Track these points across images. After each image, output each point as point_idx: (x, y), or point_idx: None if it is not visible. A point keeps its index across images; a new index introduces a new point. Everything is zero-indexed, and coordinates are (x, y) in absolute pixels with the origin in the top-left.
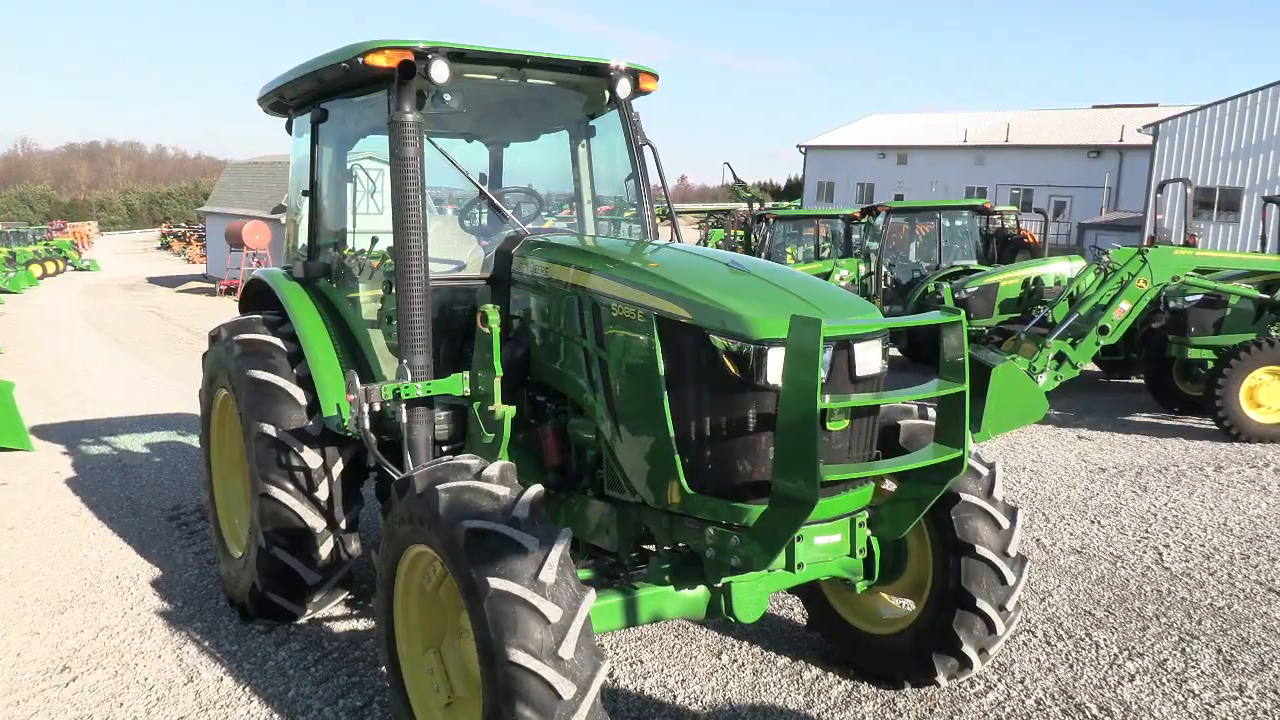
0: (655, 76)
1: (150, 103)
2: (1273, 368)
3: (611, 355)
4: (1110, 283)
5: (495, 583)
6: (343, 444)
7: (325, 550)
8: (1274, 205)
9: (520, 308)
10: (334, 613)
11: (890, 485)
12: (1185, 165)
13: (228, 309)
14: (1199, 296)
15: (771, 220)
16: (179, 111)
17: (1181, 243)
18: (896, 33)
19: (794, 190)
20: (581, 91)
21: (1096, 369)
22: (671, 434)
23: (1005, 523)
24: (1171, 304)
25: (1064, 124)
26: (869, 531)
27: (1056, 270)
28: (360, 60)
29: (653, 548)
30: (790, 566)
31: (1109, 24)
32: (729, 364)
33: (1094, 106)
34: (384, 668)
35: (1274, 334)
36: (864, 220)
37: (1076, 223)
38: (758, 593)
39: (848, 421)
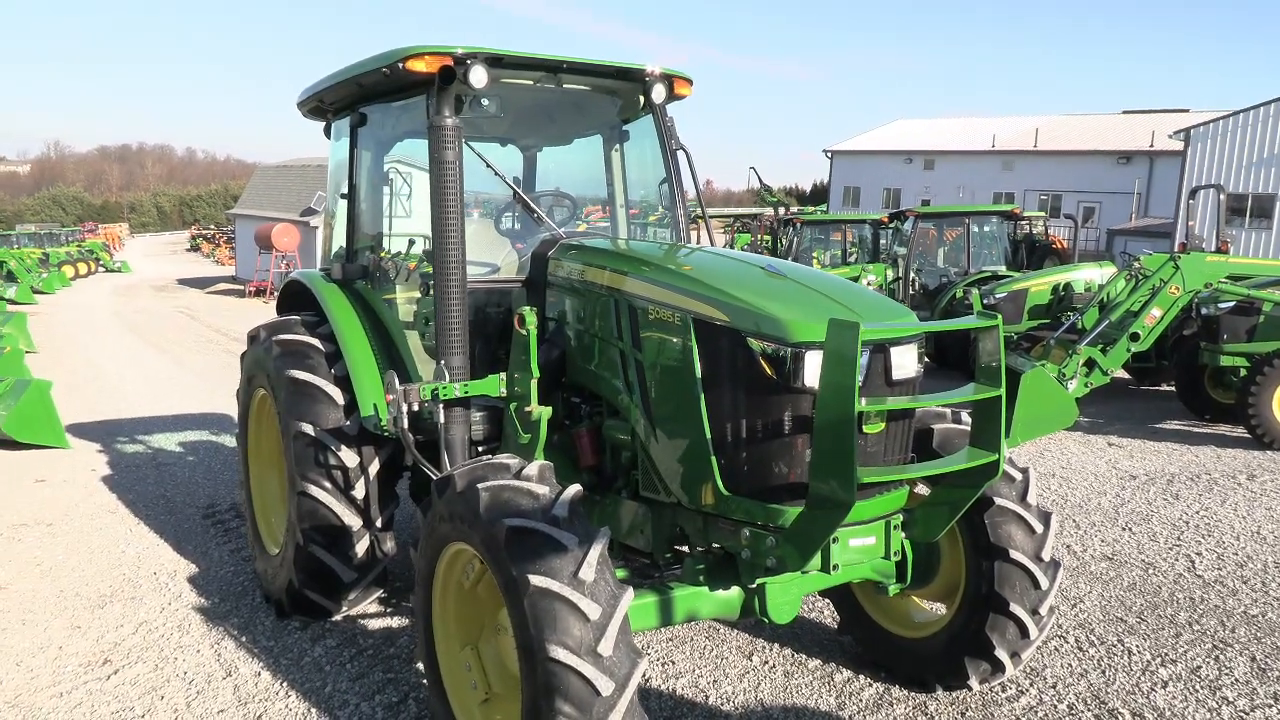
0: (689, 81)
1: (181, 106)
2: None
3: (647, 357)
4: (1142, 289)
5: (536, 580)
6: (379, 443)
7: (361, 548)
8: None
9: (556, 310)
10: (368, 610)
11: (923, 489)
12: (1217, 171)
13: (256, 310)
14: (1231, 304)
15: (799, 225)
16: (209, 115)
17: (1214, 249)
18: (924, 37)
19: (819, 195)
20: (616, 96)
21: (1127, 376)
22: (708, 435)
23: (1039, 527)
24: (1204, 311)
25: (1094, 129)
26: (903, 534)
27: (1086, 276)
28: (400, 65)
29: (686, 548)
30: (825, 568)
31: (1140, 29)
32: (766, 366)
33: (1124, 112)
34: (422, 664)
35: None
36: (892, 225)
37: (1106, 229)
38: (792, 594)
39: (884, 424)
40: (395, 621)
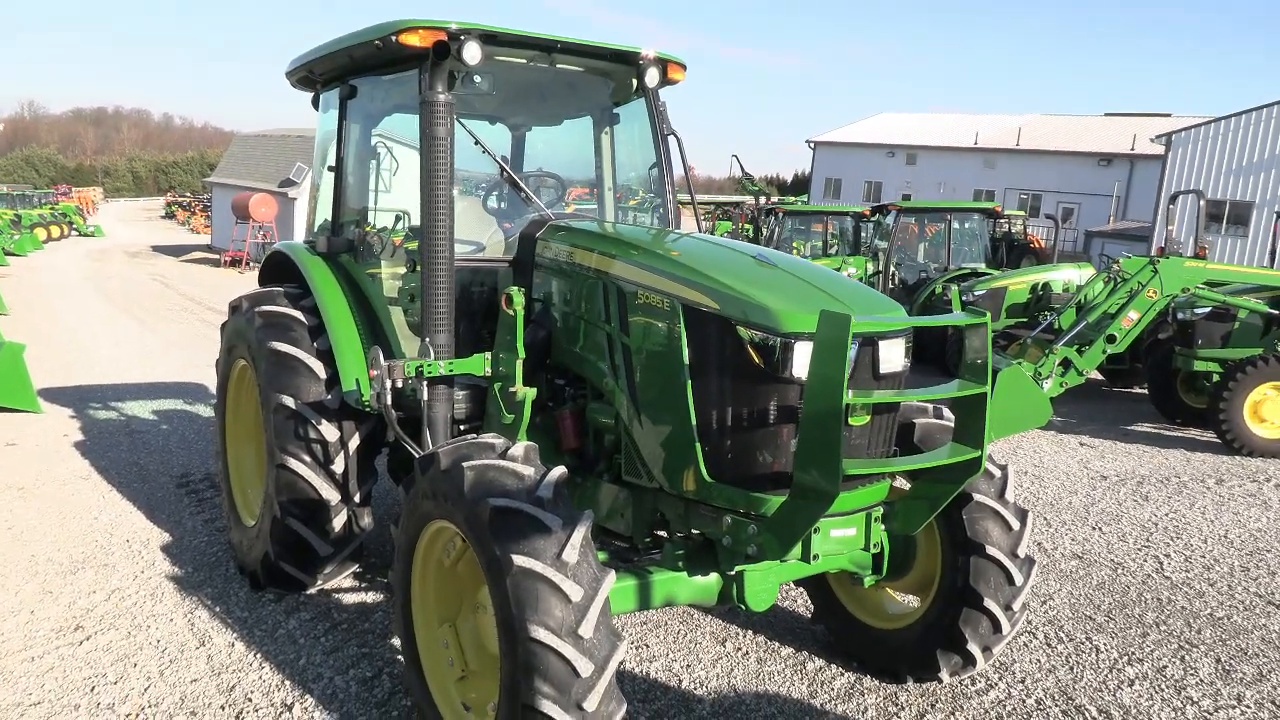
0: (683, 67)
1: (158, 71)
2: (1278, 383)
3: (635, 341)
4: (1120, 292)
5: (519, 560)
6: (359, 418)
7: (339, 522)
8: None
9: (542, 291)
10: (343, 585)
11: (903, 482)
12: (1196, 177)
13: (231, 280)
14: (1207, 309)
15: (780, 215)
16: (187, 81)
17: (1192, 254)
18: (910, 32)
19: (801, 185)
20: (609, 79)
21: (1100, 377)
22: (693, 422)
23: (1016, 524)
24: (1180, 315)
25: (1076, 130)
26: (882, 527)
27: (1065, 276)
28: (393, 39)
29: (666, 533)
30: (805, 558)
31: (1124, 32)
32: (754, 355)
33: (1107, 114)
34: (398, 640)
35: None
36: (873, 219)
37: (1084, 230)
38: (770, 582)
39: (869, 417)
40: (370, 596)
